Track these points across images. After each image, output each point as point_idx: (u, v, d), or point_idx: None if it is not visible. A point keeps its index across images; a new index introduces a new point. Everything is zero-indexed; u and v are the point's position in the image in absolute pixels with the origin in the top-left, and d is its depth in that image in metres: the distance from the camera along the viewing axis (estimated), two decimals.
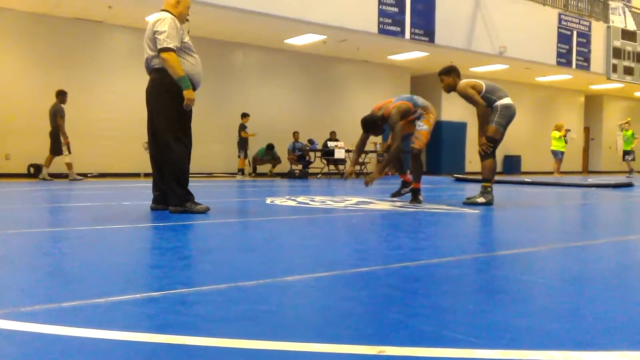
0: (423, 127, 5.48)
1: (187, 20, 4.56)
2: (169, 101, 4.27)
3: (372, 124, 5.33)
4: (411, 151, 5.50)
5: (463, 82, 5.47)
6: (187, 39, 4.33)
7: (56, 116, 10.01)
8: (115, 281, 2.01)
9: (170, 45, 4.13)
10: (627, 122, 15.73)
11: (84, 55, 11.76)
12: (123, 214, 4.40)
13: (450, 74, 5.53)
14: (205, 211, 4.40)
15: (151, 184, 4.60)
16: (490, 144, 5.39)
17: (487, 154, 5.47)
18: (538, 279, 2.18)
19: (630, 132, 15.40)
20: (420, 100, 5.56)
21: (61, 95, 10.22)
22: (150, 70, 4.32)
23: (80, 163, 11.10)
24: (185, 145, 4.55)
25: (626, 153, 15.64)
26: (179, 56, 4.21)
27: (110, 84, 11.88)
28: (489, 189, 5.48)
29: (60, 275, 2.14)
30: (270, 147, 13.51)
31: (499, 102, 5.42)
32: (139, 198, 6.12)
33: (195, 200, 4.46)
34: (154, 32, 4.16)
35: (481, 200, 5.44)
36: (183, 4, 4.37)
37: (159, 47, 4.13)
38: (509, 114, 5.46)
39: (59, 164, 10.29)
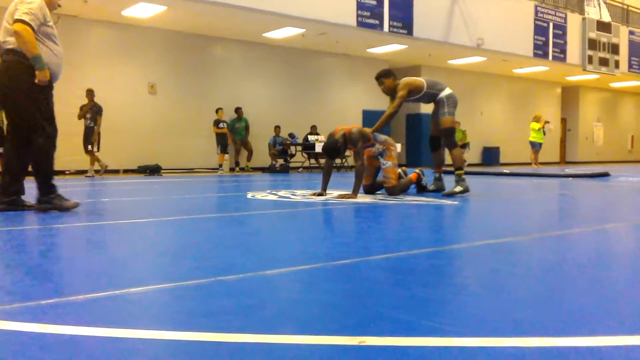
0: (387, 165, 5.59)
1: (59, 5, 4.35)
2: (29, 85, 3.87)
3: (334, 150, 5.34)
4: (387, 191, 5.60)
5: (405, 79, 5.68)
6: (52, 25, 4.05)
7: None
8: (96, 278, 2.00)
9: (27, 19, 3.81)
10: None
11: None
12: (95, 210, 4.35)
13: (389, 76, 5.73)
14: (74, 207, 4.06)
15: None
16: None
17: (453, 143, 5.79)
18: (516, 268, 2.22)
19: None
20: (381, 136, 5.65)
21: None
22: (3, 52, 3.92)
23: (55, 160, 10.95)
24: (49, 134, 4.04)
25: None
26: (40, 42, 3.90)
27: (85, 78, 11.70)
28: (463, 177, 5.63)
29: (39, 271, 2.12)
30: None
31: (443, 94, 5.70)
32: (118, 194, 6.06)
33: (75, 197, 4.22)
34: (15, 7, 3.87)
35: (459, 189, 5.56)
36: None
37: (14, 17, 3.81)
38: (454, 101, 5.76)
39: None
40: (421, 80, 5.71)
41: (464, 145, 15.35)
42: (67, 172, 11.34)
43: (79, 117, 10.57)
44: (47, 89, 3.98)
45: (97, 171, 10.91)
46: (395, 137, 10.16)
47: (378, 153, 5.62)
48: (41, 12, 3.93)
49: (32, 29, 3.83)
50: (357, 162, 5.33)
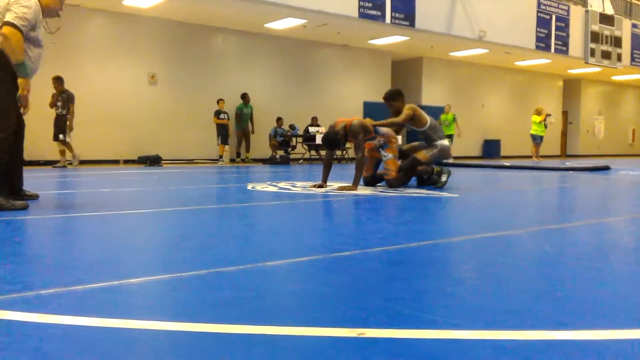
0: (388, 157, 5.60)
1: (59, 15, 4.03)
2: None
3: (334, 141, 5.33)
4: (387, 183, 5.60)
5: (412, 105, 5.75)
6: (41, 33, 3.86)
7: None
8: (94, 268, 2.00)
9: (19, 24, 3.59)
10: (448, 105, 15.79)
11: (59, 39, 11.53)
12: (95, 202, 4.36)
13: (397, 96, 5.79)
14: (23, 208, 3.65)
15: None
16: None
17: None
18: (515, 261, 2.22)
19: (451, 116, 15.46)
20: (382, 129, 5.63)
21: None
22: None
23: (56, 150, 10.95)
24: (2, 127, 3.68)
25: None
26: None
27: (86, 69, 11.68)
28: (438, 168, 5.78)
29: (38, 262, 2.12)
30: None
31: (440, 142, 5.74)
32: (121, 185, 6.06)
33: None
34: (8, 4, 3.62)
35: (444, 178, 5.68)
36: None
37: (5, 19, 3.58)
38: (444, 154, 5.82)
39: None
40: (427, 116, 5.76)
41: (449, 136, 14.80)
42: (66, 162, 11.33)
43: (50, 106, 10.24)
44: (5, 82, 3.70)
45: (69, 162, 10.48)
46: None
47: (379, 145, 5.62)
48: (35, 17, 3.72)
49: (22, 35, 3.63)
50: (357, 154, 5.33)
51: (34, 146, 9.77)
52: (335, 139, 5.29)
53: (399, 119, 5.59)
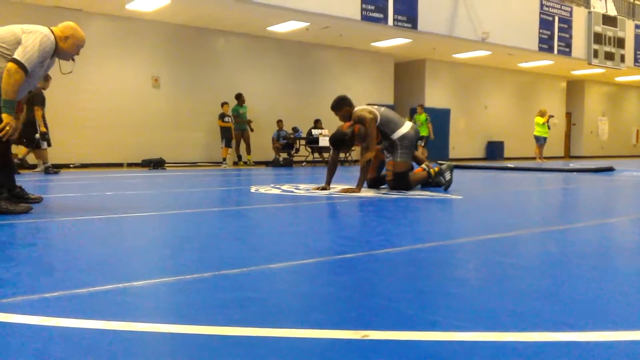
0: (390, 158, 5.51)
1: (73, 60, 4.01)
2: None
3: (340, 141, 5.29)
4: (388, 185, 5.51)
5: (359, 108, 5.44)
6: (44, 68, 3.82)
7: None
8: (97, 270, 2.01)
9: (26, 66, 3.54)
10: (420, 106, 15.54)
11: None
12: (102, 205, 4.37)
13: (341, 104, 5.47)
14: (26, 211, 3.66)
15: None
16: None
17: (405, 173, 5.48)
18: (519, 262, 2.22)
19: (423, 117, 15.22)
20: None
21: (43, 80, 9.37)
22: None
23: (61, 153, 10.99)
24: None
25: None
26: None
27: (89, 73, 11.72)
28: (437, 168, 5.65)
29: (42, 265, 2.12)
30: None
31: (395, 135, 5.39)
32: (122, 188, 6.08)
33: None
34: (22, 32, 3.59)
35: (448, 175, 5.56)
36: (73, 42, 3.88)
37: (15, 55, 3.52)
38: (410, 142, 5.46)
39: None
40: (376, 111, 5.39)
41: (422, 139, 14.43)
42: (71, 165, 11.38)
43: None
44: None
45: (34, 166, 9.67)
46: None
47: (383, 147, 5.61)
48: (41, 58, 3.66)
49: (25, 75, 3.57)
50: (362, 156, 5.33)
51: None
52: (342, 138, 5.28)
53: (370, 132, 5.21)
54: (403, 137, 5.38)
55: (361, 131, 5.27)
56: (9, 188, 3.97)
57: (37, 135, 9.10)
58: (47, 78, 9.47)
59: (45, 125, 9.26)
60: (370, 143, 5.29)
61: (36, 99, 9.16)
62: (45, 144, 9.29)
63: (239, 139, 13.45)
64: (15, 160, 9.30)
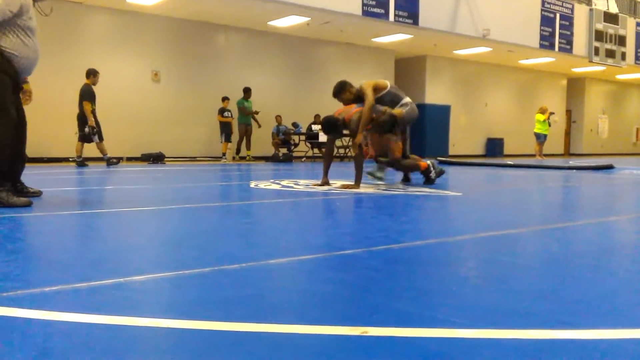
0: (392, 138, 5.54)
1: None
2: None
3: (332, 125, 5.30)
4: (388, 164, 5.61)
5: (366, 81, 5.54)
6: (33, 20, 3.72)
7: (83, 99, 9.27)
8: (98, 265, 2.01)
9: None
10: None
11: (63, 36, 11.56)
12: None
13: (344, 88, 5.56)
14: (26, 205, 3.62)
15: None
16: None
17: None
18: (518, 260, 2.22)
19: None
20: (380, 107, 5.44)
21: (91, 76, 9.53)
22: None
23: (61, 147, 10.97)
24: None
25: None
26: (15, 35, 3.60)
27: (88, 66, 11.66)
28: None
29: (42, 258, 2.12)
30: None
31: (405, 100, 5.69)
32: (123, 182, 6.07)
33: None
34: None
35: (433, 175, 5.71)
36: None
37: None
38: (413, 114, 5.75)
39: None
40: (384, 80, 5.69)
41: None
42: (70, 159, 11.36)
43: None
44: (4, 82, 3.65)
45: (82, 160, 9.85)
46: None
47: (383, 125, 5.56)
48: (16, 3, 3.58)
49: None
50: (355, 152, 5.34)
51: (38, 144, 9.83)
52: (334, 122, 5.31)
53: (368, 100, 5.22)
54: (412, 104, 5.67)
55: (354, 117, 5.27)
56: (13, 181, 3.98)
57: (87, 129, 9.35)
58: (95, 73, 9.58)
59: (96, 120, 9.42)
60: (364, 118, 5.22)
61: (85, 94, 9.37)
62: (96, 138, 9.52)
63: (242, 134, 13.25)
64: (76, 158, 9.53)
